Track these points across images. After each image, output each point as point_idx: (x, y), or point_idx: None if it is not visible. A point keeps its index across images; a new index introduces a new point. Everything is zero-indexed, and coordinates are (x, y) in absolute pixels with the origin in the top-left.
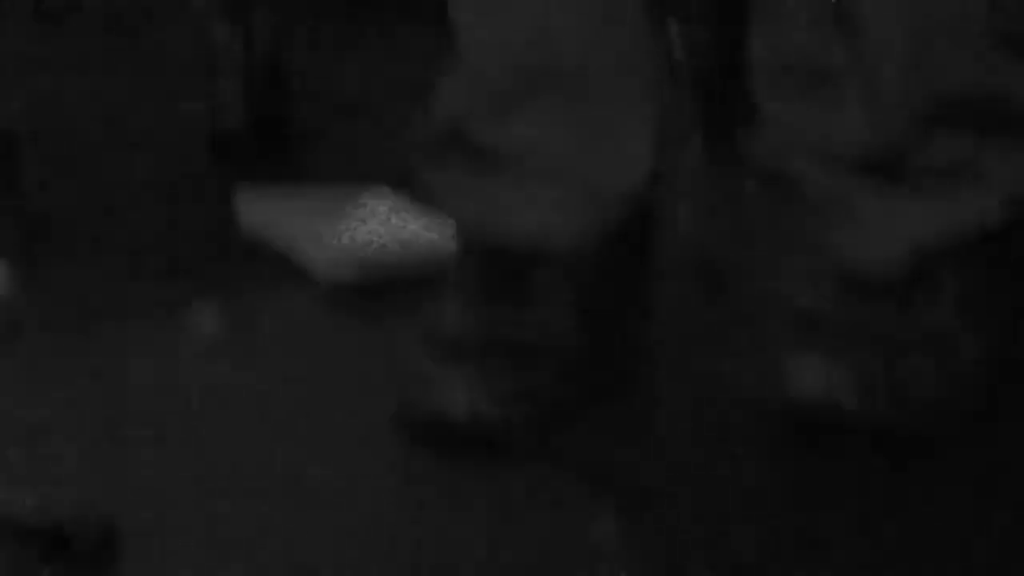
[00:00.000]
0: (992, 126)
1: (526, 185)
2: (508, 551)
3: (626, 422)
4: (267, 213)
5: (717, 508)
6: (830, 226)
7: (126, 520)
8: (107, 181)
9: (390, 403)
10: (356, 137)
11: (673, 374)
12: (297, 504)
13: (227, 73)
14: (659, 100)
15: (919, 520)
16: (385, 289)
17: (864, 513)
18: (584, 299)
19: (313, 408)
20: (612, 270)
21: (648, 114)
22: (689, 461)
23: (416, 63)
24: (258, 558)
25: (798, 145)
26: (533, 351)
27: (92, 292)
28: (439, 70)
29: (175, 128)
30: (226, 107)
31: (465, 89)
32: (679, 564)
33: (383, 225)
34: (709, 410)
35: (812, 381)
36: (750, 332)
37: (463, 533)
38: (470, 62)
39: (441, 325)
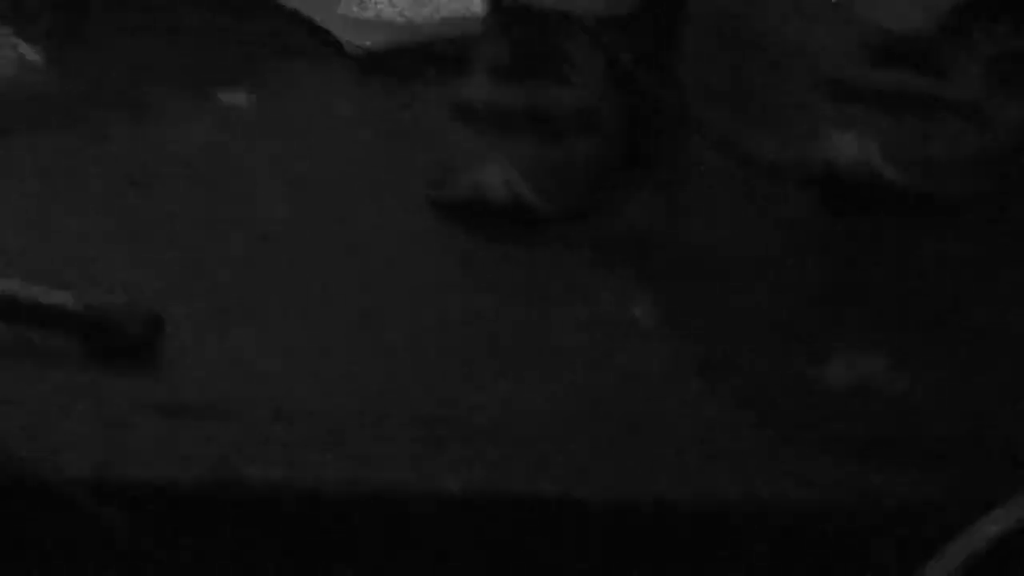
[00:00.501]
0: None
1: None
2: (546, 331)
3: (661, 193)
4: None
5: (748, 276)
6: None
7: (169, 308)
8: None
9: (423, 178)
10: None
11: (705, 141)
12: (330, 286)
13: None
14: None
15: (941, 283)
16: (410, 59)
17: (893, 275)
18: (616, 66)
19: (346, 183)
20: (643, 35)
21: None
22: (721, 231)
23: None
24: (296, 339)
25: None
26: (568, 122)
27: (122, 71)
28: None
29: None
30: None
31: None
32: (715, 330)
33: None
34: (742, 178)
35: (845, 147)
36: (780, 97)
37: (500, 314)
38: None
39: (472, 97)
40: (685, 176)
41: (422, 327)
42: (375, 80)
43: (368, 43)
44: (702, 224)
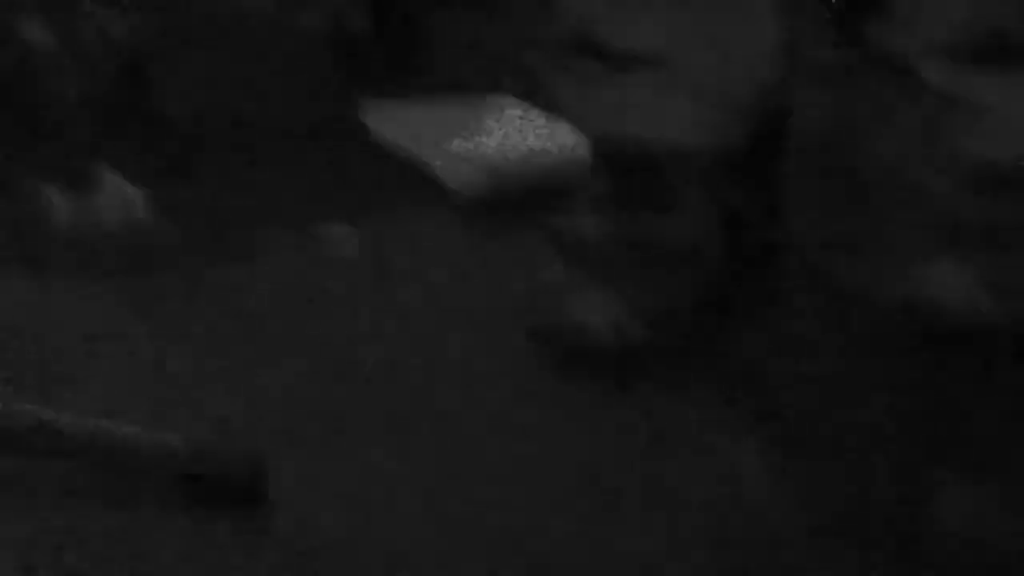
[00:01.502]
0: None
1: (659, 87)
2: (649, 474)
3: (765, 332)
4: (396, 122)
5: (855, 411)
6: (955, 121)
7: (274, 447)
8: (234, 96)
9: (526, 316)
10: (483, 39)
11: (808, 278)
12: (435, 426)
13: None
14: None
15: None
16: (516, 199)
17: (998, 417)
18: (718, 199)
19: (445, 319)
20: (747, 171)
21: (772, 4)
22: (830, 372)
23: None
24: (403, 481)
25: (920, 35)
26: (673, 258)
27: (226, 210)
28: None
29: (300, 37)
30: (351, 11)
31: None
32: (822, 485)
33: (512, 134)
34: (846, 316)
35: (947, 283)
36: (883, 232)
37: (606, 454)
38: None
39: (577, 234)
40: (790, 311)
41: (530, 468)
42: (479, 217)
43: (472, 181)
44: (808, 359)
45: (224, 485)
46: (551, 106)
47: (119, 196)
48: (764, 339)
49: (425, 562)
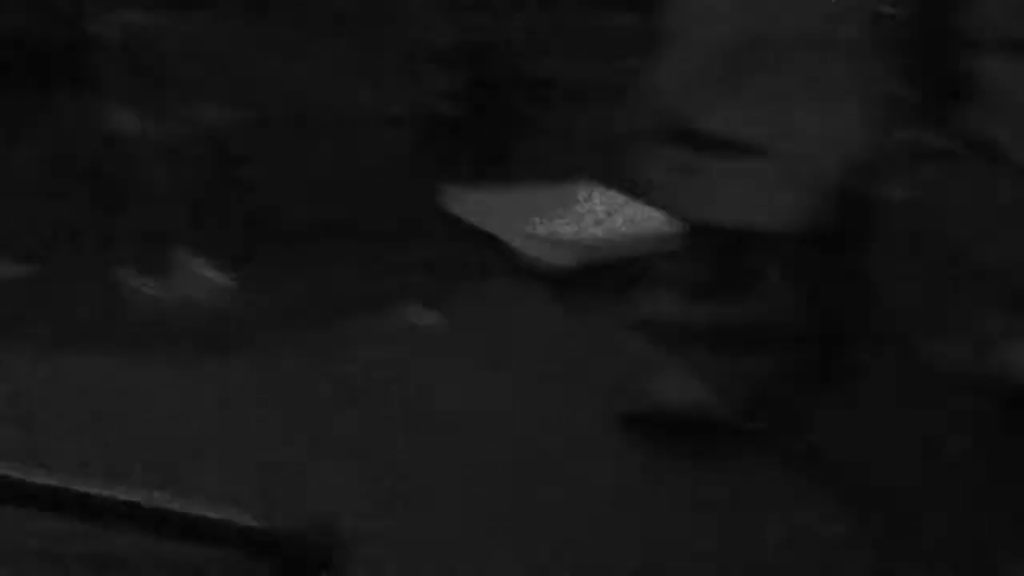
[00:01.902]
0: None
1: (744, 168)
2: (735, 549)
3: (851, 411)
4: (482, 208)
5: (940, 491)
6: None
7: (351, 529)
8: (318, 177)
9: (610, 394)
10: (577, 127)
11: (895, 358)
12: (521, 505)
13: (440, 64)
14: (873, 74)
15: None
16: (598, 278)
17: None
18: (804, 281)
19: (532, 401)
20: (831, 250)
21: (862, 88)
22: (913, 450)
23: (622, 50)
24: (482, 552)
25: (1010, 120)
26: (756, 336)
27: (309, 290)
28: (647, 58)
29: (386, 121)
30: (444, 100)
31: (677, 75)
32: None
33: (599, 217)
34: (931, 394)
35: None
36: (970, 312)
37: (691, 530)
38: (681, 45)
39: (662, 312)
40: (875, 389)
41: (614, 543)
42: (563, 298)
43: (557, 262)
44: (891, 436)
45: (301, 562)
46: (643, 193)
47: (204, 280)
48: (847, 416)
49: None
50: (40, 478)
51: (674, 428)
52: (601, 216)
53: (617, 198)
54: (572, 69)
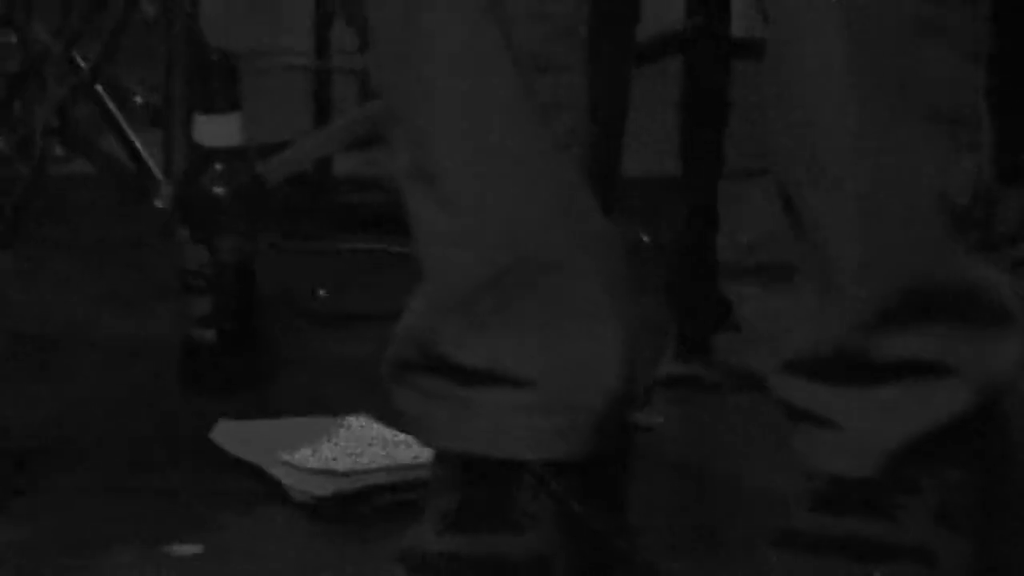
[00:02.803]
0: (956, 317)
1: (500, 399)
2: None
3: None
4: (243, 438)
5: None
6: (799, 432)
7: None
8: (81, 407)
9: None
10: (343, 357)
11: None
12: None
13: (198, 292)
14: (633, 304)
15: None
16: (356, 507)
17: None
18: (565, 511)
19: None
20: (593, 481)
21: (623, 318)
22: None
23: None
24: None
25: (766, 346)
26: (519, 570)
27: (71, 525)
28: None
29: (149, 347)
30: (198, 324)
31: (430, 305)
32: None
33: (361, 445)
34: None
35: None
36: (734, 542)
37: None
38: (435, 273)
39: (421, 546)
40: None
41: None
42: (324, 527)
43: (316, 491)
44: None
45: None
46: (400, 422)
47: None
48: None
49: None
50: None
51: None
52: (366, 445)
53: (375, 427)
54: (336, 299)
